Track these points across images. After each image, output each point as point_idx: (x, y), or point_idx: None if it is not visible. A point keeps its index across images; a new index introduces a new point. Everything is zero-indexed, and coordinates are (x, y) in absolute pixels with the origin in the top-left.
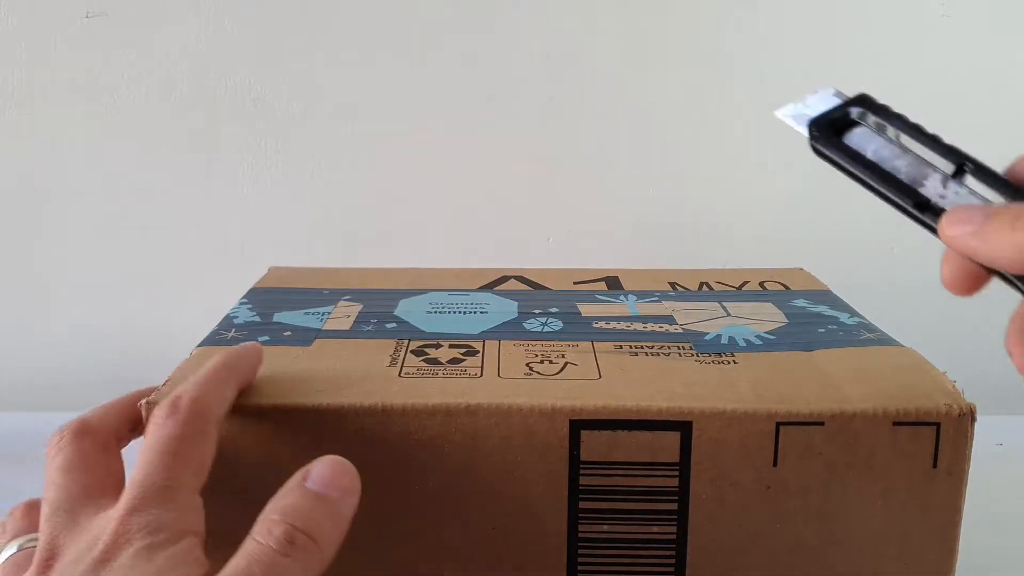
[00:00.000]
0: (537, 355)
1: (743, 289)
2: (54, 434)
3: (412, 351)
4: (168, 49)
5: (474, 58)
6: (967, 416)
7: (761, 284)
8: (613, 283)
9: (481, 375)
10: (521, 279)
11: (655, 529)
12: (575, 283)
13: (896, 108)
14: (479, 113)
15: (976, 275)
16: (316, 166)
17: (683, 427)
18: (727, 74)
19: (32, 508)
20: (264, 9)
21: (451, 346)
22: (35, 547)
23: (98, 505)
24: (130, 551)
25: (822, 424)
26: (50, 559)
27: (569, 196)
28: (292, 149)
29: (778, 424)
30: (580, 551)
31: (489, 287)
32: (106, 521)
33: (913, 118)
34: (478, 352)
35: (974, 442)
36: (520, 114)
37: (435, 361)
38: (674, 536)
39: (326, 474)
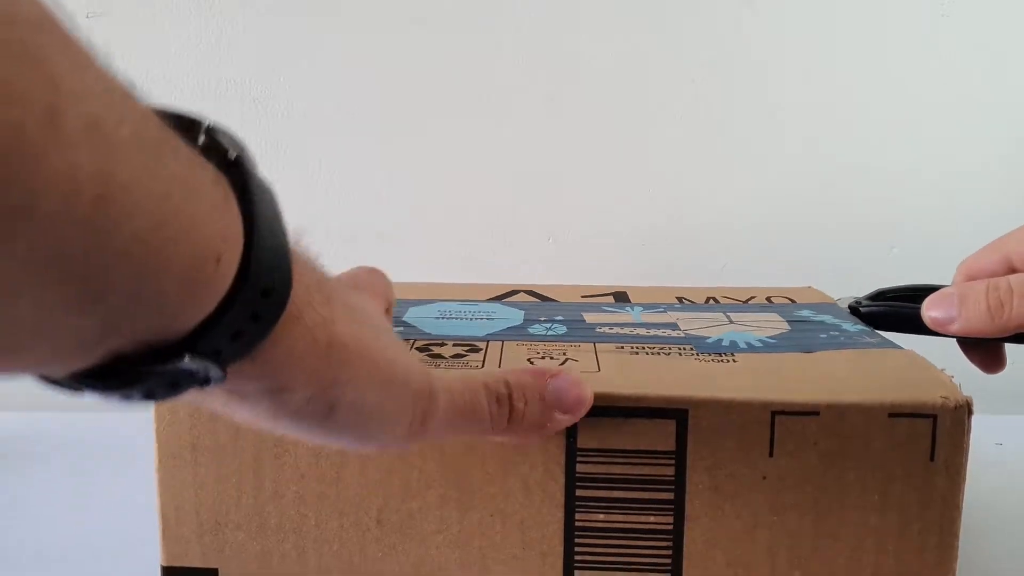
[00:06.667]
0: (539, 352)
1: (749, 303)
2: None
3: (417, 348)
4: (168, 49)
5: (474, 58)
6: (963, 408)
7: (768, 299)
8: (621, 297)
9: (482, 367)
10: (530, 292)
11: (652, 519)
12: (583, 296)
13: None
14: (479, 113)
15: (993, 355)
16: (316, 166)
17: (678, 415)
18: (727, 74)
19: None
20: (264, 9)
21: (455, 344)
22: None
23: None
24: None
25: (817, 414)
26: None
27: (570, 196)
28: (292, 149)
29: (773, 413)
30: (577, 539)
31: (498, 299)
32: None
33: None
34: (481, 349)
35: (974, 442)
36: (520, 114)
37: (438, 356)
38: (671, 526)
39: (566, 394)
